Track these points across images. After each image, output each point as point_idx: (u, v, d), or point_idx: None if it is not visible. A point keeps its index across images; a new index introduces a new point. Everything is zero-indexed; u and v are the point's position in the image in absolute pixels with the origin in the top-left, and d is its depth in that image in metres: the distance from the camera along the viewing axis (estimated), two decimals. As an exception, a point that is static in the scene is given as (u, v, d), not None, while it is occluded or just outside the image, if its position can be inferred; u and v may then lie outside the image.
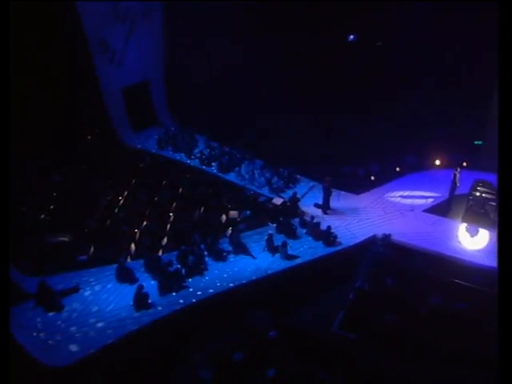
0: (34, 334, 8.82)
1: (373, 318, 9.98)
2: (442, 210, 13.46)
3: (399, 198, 14.09)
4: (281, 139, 16.59)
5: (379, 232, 12.36)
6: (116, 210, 13.52)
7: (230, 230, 12.54)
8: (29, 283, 9.83)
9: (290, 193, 14.02)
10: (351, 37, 17.90)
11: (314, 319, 10.26)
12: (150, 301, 9.69)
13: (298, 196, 13.82)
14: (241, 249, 11.60)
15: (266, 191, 14.45)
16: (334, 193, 13.62)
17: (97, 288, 10.21)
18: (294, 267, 11.21)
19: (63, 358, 8.32)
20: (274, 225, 12.75)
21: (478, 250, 11.76)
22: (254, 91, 17.53)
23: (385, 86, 16.96)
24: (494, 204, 12.64)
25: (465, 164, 14.86)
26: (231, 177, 15.28)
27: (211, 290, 10.23)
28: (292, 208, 13.42)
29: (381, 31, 16.98)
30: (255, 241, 12.08)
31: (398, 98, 16.81)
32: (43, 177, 14.08)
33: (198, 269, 10.84)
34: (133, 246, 11.94)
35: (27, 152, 13.06)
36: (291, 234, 12.35)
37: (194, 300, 9.93)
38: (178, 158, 16.36)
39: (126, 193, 14.33)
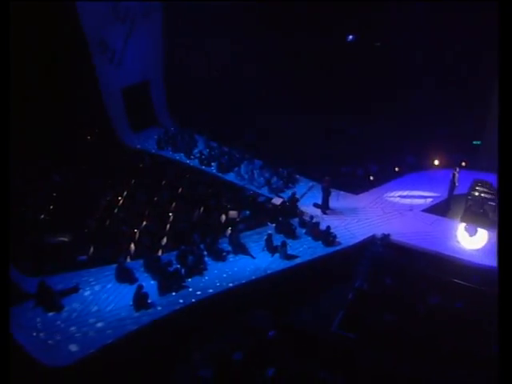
0: (34, 333, 8.84)
1: (372, 317, 10.00)
2: (440, 209, 13.49)
3: (398, 198, 14.12)
4: (280, 139, 16.60)
5: (378, 232, 12.38)
6: (115, 210, 13.52)
7: (229, 230, 12.57)
8: (28, 283, 9.84)
9: (289, 193, 14.04)
10: (350, 37, 17.91)
11: (313, 319, 10.27)
12: (149, 301, 9.70)
13: (297, 196, 13.84)
14: (240, 249, 11.62)
15: (265, 191, 14.47)
16: (333, 193, 13.64)
17: (96, 288, 10.23)
18: (293, 267, 11.23)
19: (63, 357, 8.33)
20: (274, 225, 12.77)
21: (477, 250, 11.80)
22: (254, 91, 17.54)
23: (384, 86, 16.98)
24: (493, 204, 12.67)
25: (464, 164, 14.89)
26: (230, 177, 15.30)
27: (211, 290, 10.25)
28: (291, 208, 13.44)
29: (381, 31, 16.98)
30: (254, 241, 12.10)
31: (397, 98, 16.82)
32: (43, 177, 14.09)
33: (198, 269, 10.85)
34: (132, 246, 11.95)
35: (27, 152, 13.06)
36: (290, 233, 12.37)
37: (193, 300, 9.95)
38: (178, 158, 16.38)
39: (125, 193, 14.34)
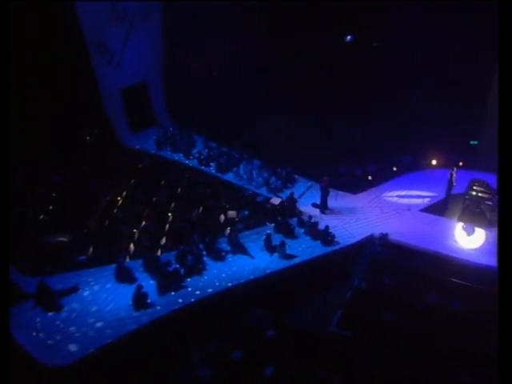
0: (34, 333, 8.86)
1: (370, 316, 10.05)
2: (438, 209, 13.53)
3: (396, 198, 14.17)
4: (279, 139, 16.62)
5: (376, 231, 12.43)
6: (115, 211, 13.53)
7: (228, 230, 12.60)
8: (28, 283, 9.85)
9: (287, 193, 14.08)
10: (348, 37, 17.93)
11: (312, 318, 10.31)
12: (148, 300, 9.74)
13: (296, 196, 13.86)
14: (239, 248, 11.65)
15: (264, 191, 14.50)
16: (332, 192, 13.67)
17: (96, 288, 10.25)
18: (292, 267, 11.27)
19: (62, 357, 8.36)
20: (272, 224, 12.80)
21: (475, 249, 11.85)
22: (253, 91, 17.55)
23: (383, 86, 17.01)
24: (490, 203, 12.74)
25: (461, 164, 14.92)
26: (229, 177, 15.33)
27: (210, 290, 10.29)
28: (290, 208, 13.48)
29: (380, 31, 16.97)
30: (253, 240, 12.13)
31: (395, 98, 16.85)
32: (42, 177, 14.09)
33: (197, 268, 10.88)
34: (132, 245, 11.97)
35: (27, 152, 13.06)
36: (289, 233, 12.40)
37: (192, 299, 9.98)
38: (177, 158, 16.40)
39: (124, 193, 14.34)
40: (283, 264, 11.30)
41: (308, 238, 12.36)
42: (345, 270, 11.53)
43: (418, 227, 12.71)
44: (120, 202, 13.99)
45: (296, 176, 15.22)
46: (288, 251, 11.59)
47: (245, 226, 12.84)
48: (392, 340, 9.40)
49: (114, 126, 16.61)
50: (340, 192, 14.17)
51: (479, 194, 12.93)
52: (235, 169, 15.50)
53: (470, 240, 12.21)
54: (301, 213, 13.41)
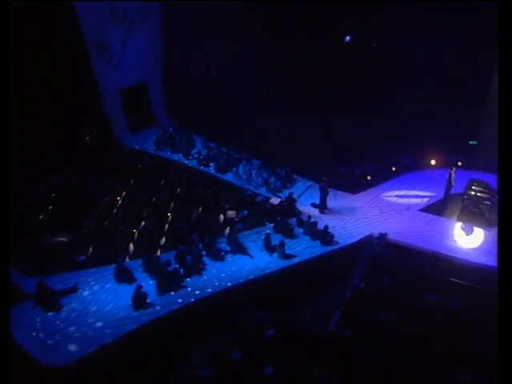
0: (34, 333, 8.87)
1: (369, 316, 10.07)
2: (437, 209, 13.56)
3: (395, 198, 14.20)
4: (278, 139, 16.66)
5: (375, 231, 12.46)
6: (114, 211, 13.56)
7: (227, 230, 12.62)
8: (28, 283, 9.86)
9: (287, 193, 14.10)
10: (347, 38, 17.96)
11: (311, 318, 10.33)
12: (148, 300, 9.75)
13: (295, 196, 13.88)
14: (239, 248, 11.67)
15: (263, 191, 14.53)
16: (331, 192, 13.69)
17: (95, 288, 10.26)
18: (291, 266, 11.29)
19: (62, 357, 8.37)
20: (272, 224, 12.83)
21: (473, 249, 11.88)
22: (253, 91, 17.58)
23: (382, 86, 17.03)
24: (489, 203, 12.78)
25: (460, 164, 14.95)
26: (229, 177, 15.35)
27: (209, 290, 10.31)
28: (289, 208, 13.50)
29: (380, 31, 16.97)
30: (253, 240, 12.15)
31: (394, 98, 16.88)
32: (42, 177, 14.10)
33: (197, 268, 10.90)
34: (131, 245, 11.99)
35: (27, 152, 13.07)
36: (288, 233, 12.43)
37: (192, 299, 9.99)
38: (176, 158, 16.42)
39: (124, 193, 14.37)
40: (282, 264, 11.32)
41: (307, 237, 12.38)
42: (344, 269, 11.55)
43: (417, 227, 12.74)
44: (120, 202, 14.02)
45: (295, 176, 15.26)
46: (287, 251, 11.62)
47: (244, 226, 12.86)
48: (391, 339, 9.41)
49: (114, 126, 16.63)
50: (339, 192, 14.20)
51: (478, 194, 12.97)
52: (234, 169, 15.52)
53: (468, 240, 12.25)
54: (300, 213, 13.43)
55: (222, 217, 13.35)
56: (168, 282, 10.27)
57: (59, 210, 13.06)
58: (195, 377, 8.63)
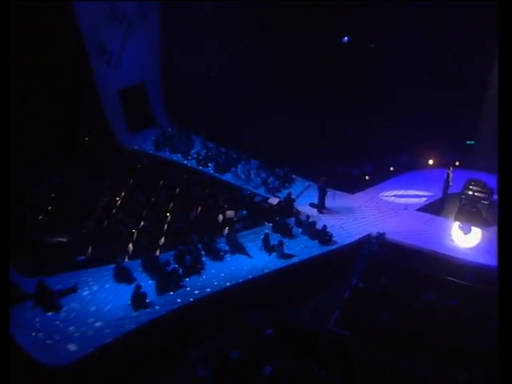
0: (33, 333, 8.90)
1: (368, 315, 10.11)
2: (435, 208, 13.63)
3: (393, 198, 14.26)
4: (278, 139, 16.68)
5: (374, 231, 12.51)
6: (114, 211, 13.56)
7: (226, 230, 12.65)
8: (27, 283, 9.87)
9: (285, 192, 14.13)
10: (345, 38, 18.01)
11: (309, 317, 10.36)
12: (147, 300, 9.77)
13: (293, 196, 13.91)
14: (237, 248, 11.70)
15: (262, 191, 14.56)
16: (330, 192, 13.74)
17: (95, 288, 10.28)
18: (290, 266, 11.32)
19: (62, 357, 8.40)
20: (270, 224, 12.86)
21: (471, 248, 11.95)
22: (252, 91, 17.59)
23: (381, 86, 17.09)
24: (487, 203, 12.87)
25: (457, 163, 15.02)
26: (228, 177, 15.38)
27: (208, 289, 10.34)
28: (288, 208, 13.54)
29: (380, 31, 17.00)
30: (252, 240, 12.18)
31: (393, 99, 16.95)
32: (42, 177, 14.11)
33: (196, 268, 10.93)
34: (130, 246, 12.00)
35: (26, 152, 13.07)
36: (287, 233, 12.46)
37: (191, 299, 10.02)
38: (175, 158, 16.44)
39: (123, 193, 14.38)
40: (281, 263, 11.35)
41: (306, 237, 12.42)
42: (342, 269, 11.58)
43: (415, 226, 12.80)
44: (119, 202, 14.03)
45: (294, 176, 15.30)
46: (286, 251, 11.65)
47: (243, 226, 12.89)
48: (389, 339, 9.43)
49: (113, 127, 16.65)
50: (338, 192, 14.24)
51: (475, 194, 13.04)
52: (233, 169, 15.55)
53: (466, 239, 12.31)
54: (299, 212, 13.47)
55: (220, 217, 13.38)
56: (167, 281, 10.30)
57: (59, 210, 13.07)
58: (194, 376, 8.65)
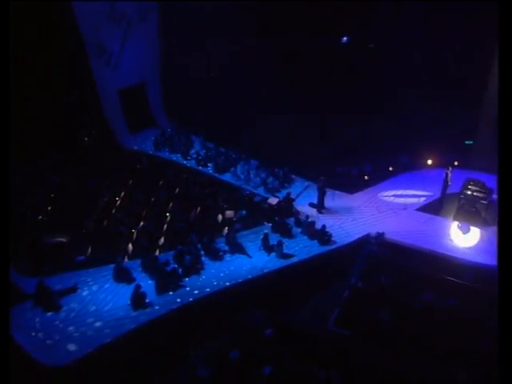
0: (33, 333, 8.91)
1: (367, 315, 10.13)
2: (434, 208, 13.65)
3: (392, 197, 14.28)
4: (277, 139, 16.70)
5: (373, 230, 12.53)
6: (113, 211, 13.58)
7: (226, 230, 12.66)
8: (27, 283, 9.89)
9: (285, 192, 14.16)
10: (344, 39, 18.02)
11: (309, 317, 10.37)
12: (147, 300, 9.79)
13: (293, 196, 13.94)
14: (237, 248, 11.72)
15: (261, 191, 14.58)
16: (329, 192, 13.77)
17: (94, 288, 10.30)
18: (289, 266, 11.35)
19: (61, 357, 8.41)
20: (270, 224, 12.88)
21: (470, 248, 11.97)
22: (252, 91, 17.61)
23: (381, 86, 17.10)
24: (485, 202, 12.89)
25: (456, 163, 15.06)
26: (227, 177, 15.40)
27: (208, 289, 10.36)
28: (287, 207, 13.56)
29: (380, 31, 16.99)
30: (251, 240, 12.20)
31: (392, 99, 16.97)
32: (42, 177, 14.12)
33: (195, 268, 10.95)
34: (130, 246, 12.01)
35: (26, 152, 13.09)
36: (286, 233, 12.49)
37: (190, 299, 10.04)
38: (175, 158, 16.47)
39: (123, 193, 14.40)
40: (281, 263, 11.37)
41: (305, 237, 12.44)
42: (342, 269, 11.60)
43: (414, 226, 12.82)
44: (118, 202, 14.05)
45: (293, 176, 15.32)
46: (285, 251, 11.67)
47: (242, 226, 12.91)
48: (388, 338, 9.45)
49: (113, 127, 16.66)
50: (337, 192, 14.27)
51: (474, 194, 13.07)
52: (233, 169, 15.57)
53: (465, 239, 12.33)
54: (298, 212, 13.50)
55: (220, 217, 13.40)
56: (167, 281, 10.31)
57: (58, 211, 13.09)
58: (194, 376, 8.66)
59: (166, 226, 13.02)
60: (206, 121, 17.80)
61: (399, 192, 14.49)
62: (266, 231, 12.20)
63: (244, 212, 13.54)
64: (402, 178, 15.39)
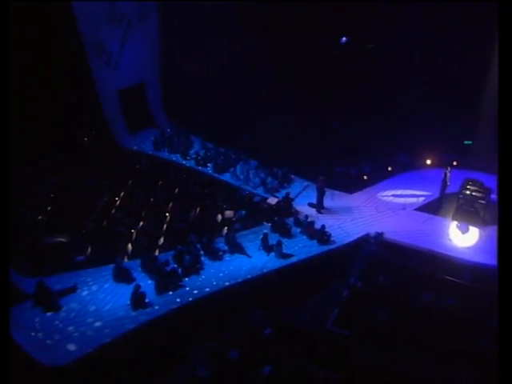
0: (33, 333, 8.92)
1: (366, 314, 10.15)
2: (433, 208, 13.66)
3: (391, 197, 14.31)
4: (278, 139, 16.71)
5: (372, 230, 12.55)
6: (113, 211, 13.58)
7: (225, 230, 12.67)
8: (27, 283, 9.90)
9: (284, 192, 14.18)
10: (343, 39, 18.02)
11: (308, 317, 10.39)
12: (146, 300, 9.80)
13: (292, 196, 13.96)
14: (236, 248, 11.74)
15: (260, 191, 14.59)
16: (328, 192, 13.78)
17: (94, 288, 10.31)
18: (288, 266, 11.36)
19: (61, 357, 8.42)
20: (269, 224, 12.90)
21: (469, 247, 12.00)
22: (252, 91, 17.61)
23: (381, 86, 17.12)
24: (484, 202, 12.91)
25: (455, 163, 15.07)
26: (226, 177, 15.42)
27: (207, 289, 10.37)
28: (286, 207, 13.58)
29: (380, 31, 17.01)
30: (250, 240, 12.22)
31: (391, 99, 16.98)
32: (42, 177, 14.13)
33: (195, 268, 10.96)
34: (130, 246, 12.02)
35: (26, 152, 13.09)
36: (286, 233, 12.51)
37: (190, 299, 10.06)
38: (174, 158, 16.47)
39: (122, 193, 14.41)
40: (280, 263, 11.39)
41: (304, 237, 12.46)
42: (341, 268, 11.62)
43: (413, 226, 12.84)
44: (118, 202, 14.06)
45: (292, 176, 15.33)
46: (285, 250, 11.70)
47: (242, 226, 12.93)
48: (388, 338, 9.46)
49: (112, 127, 16.66)
50: (336, 192, 14.29)
51: (473, 193, 13.09)
52: (232, 169, 15.58)
53: (464, 238, 12.36)
54: (297, 212, 13.51)
55: (219, 217, 13.41)
56: (166, 281, 10.32)
57: (58, 211, 13.10)
58: (194, 376, 8.67)
59: (165, 226, 13.03)
60: (205, 121, 17.80)
61: (398, 192, 14.52)
62: (265, 231, 12.21)
63: (243, 212, 13.55)
64: (401, 177, 15.41)
